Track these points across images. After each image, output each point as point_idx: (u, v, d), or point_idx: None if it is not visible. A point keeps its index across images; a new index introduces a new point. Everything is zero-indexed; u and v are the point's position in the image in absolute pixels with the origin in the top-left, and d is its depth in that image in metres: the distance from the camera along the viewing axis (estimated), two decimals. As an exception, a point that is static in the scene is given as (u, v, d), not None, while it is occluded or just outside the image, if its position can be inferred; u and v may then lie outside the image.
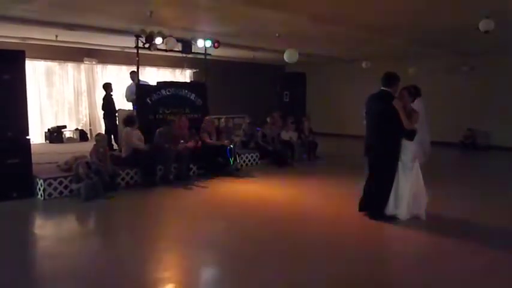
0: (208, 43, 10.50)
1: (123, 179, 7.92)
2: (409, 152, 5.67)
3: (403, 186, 5.70)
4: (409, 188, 5.66)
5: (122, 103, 11.13)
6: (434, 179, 8.23)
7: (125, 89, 10.63)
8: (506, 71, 13.41)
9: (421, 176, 5.75)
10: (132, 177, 8.05)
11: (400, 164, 5.70)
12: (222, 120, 11.92)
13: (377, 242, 5.29)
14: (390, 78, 5.72)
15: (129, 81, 10.79)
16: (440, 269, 4.23)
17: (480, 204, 6.91)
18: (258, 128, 11.19)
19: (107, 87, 10.88)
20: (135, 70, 9.97)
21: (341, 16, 8.34)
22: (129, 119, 8.38)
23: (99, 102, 13.44)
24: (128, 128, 8.22)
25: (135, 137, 8.19)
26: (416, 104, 5.72)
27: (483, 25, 7.50)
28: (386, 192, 5.76)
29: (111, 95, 10.86)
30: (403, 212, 5.71)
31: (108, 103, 10.74)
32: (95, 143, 7.72)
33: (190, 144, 8.86)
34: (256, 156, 10.47)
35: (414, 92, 5.75)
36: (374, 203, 5.85)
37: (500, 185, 8.40)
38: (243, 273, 4.19)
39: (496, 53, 13.23)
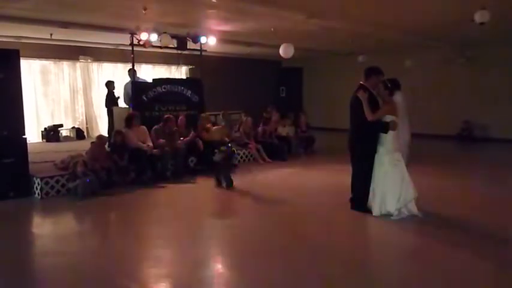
0: (205, 39, 10.52)
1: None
2: (386, 144, 5.61)
3: (375, 181, 5.68)
4: (381, 184, 5.61)
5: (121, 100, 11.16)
6: (427, 171, 8.25)
7: (123, 89, 10.60)
8: (502, 62, 13.41)
9: (398, 174, 5.56)
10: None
11: (376, 156, 5.68)
12: (220, 116, 11.83)
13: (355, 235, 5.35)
14: (366, 72, 5.79)
15: (126, 79, 10.80)
16: (419, 264, 4.26)
17: (473, 196, 6.95)
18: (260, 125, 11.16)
19: (109, 84, 10.96)
20: (134, 68, 10.00)
21: (337, 11, 8.33)
22: (125, 119, 8.35)
23: (96, 100, 13.52)
24: (126, 129, 8.19)
25: (135, 136, 8.14)
26: (395, 98, 5.67)
27: (479, 16, 7.48)
28: (362, 184, 5.77)
29: (113, 93, 10.94)
30: (375, 208, 5.66)
31: (110, 100, 10.81)
32: (92, 141, 7.72)
33: (187, 139, 8.86)
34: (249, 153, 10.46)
35: (390, 86, 5.66)
36: (354, 194, 5.96)
37: (493, 176, 8.42)
38: (241, 269, 4.20)
39: (493, 44, 13.24)
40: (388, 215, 5.56)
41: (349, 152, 6.01)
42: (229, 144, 9.54)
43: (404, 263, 4.43)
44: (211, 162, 9.04)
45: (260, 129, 10.98)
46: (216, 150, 7.65)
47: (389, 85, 5.66)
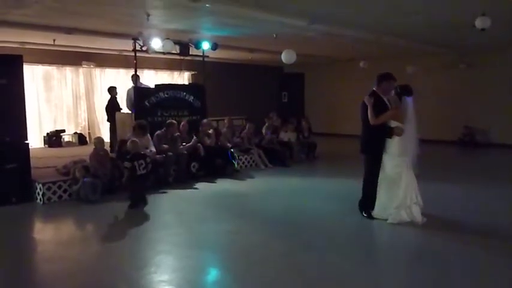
0: (207, 45, 10.57)
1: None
2: (390, 149, 5.66)
3: (379, 185, 5.74)
4: (382, 187, 5.69)
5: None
6: (429, 175, 8.24)
7: (126, 95, 10.65)
8: (503, 68, 13.42)
9: (399, 178, 5.59)
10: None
11: (382, 161, 5.73)
12: (225, 121, 11.85)
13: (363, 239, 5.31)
14: (378, 78, 5.88)
15: (128, 84, 10.86)
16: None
17: (470, 200, 6.93)
18: (268, 132, 11.16)
19: (111, 90, 11.03)
20: (137, 74, 10.06)
21: (338, 17, 8.36)
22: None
23: (98, 105, 13.54)
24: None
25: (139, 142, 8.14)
26: (404, 103, 5.67)
27: (479, 22, 7.49)
28: (368, 188, 5.85)
29: (116, 98, 11.00)
30: (376, 210, 5.77)
31: (112, 106, 10.87)
32: (94, 146, 7.74)
33: (189, 145, 8.88)
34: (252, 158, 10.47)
35: (399, 91, 5.73)
36: (362, 197, 6.02)
37: (490, 181, 8.40)
38: (243, 275, 4.19)
39: (493, 50, 13.25)
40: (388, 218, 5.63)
41: (362, 155, 6.07)
42: (232, 150, 9.63)
43: (400, 265, 4.42)
44: (213, 168, 9.12)
45: (268, 136, 10.98)
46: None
47: (398, 91, 5.72)
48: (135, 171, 6.61)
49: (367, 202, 5.90)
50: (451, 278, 4.01)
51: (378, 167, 5.75)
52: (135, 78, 10.26)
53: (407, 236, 5.28)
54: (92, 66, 13.45)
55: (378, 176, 5.75)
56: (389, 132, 5.63)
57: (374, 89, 5.88)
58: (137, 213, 6.49)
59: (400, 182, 5.60)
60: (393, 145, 5.65)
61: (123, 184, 7.01)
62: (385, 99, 5.78)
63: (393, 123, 5.64)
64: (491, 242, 4.99)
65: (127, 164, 6.65)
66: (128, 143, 7.05)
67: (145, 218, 6.29)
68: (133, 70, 10.37)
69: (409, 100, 5.70)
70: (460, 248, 4.79)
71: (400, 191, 5.58)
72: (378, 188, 5.76)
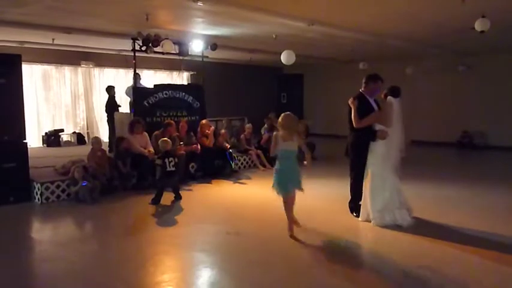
0: (206, 45, 10.56)
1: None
2: (374, 152, 5.66)
3: (364, 188, 5.75)
4: (367, 189, 5.68)
5: (124, 106, 11.20)
6: (424, 178, 8.25)
7: (126, 88, 10.75)
8: (502, 70, 13.45)
9: (383, 180, 5.59)
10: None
11: (367, 164, 5.73)
12: (223, 122, 11.85)
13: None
14: (365, 80, 5.90)
15: (128, 84, 10.89)
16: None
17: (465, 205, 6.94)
18: (266, 131, 11.16)
19: (109, 90, 11.01)
20: (137, 73, 10.09)
21: (339, 20, 8.36)
22: (128, 125, 8.34)
23: (97, 105, 13.55)
24: (129, 135, 8.21)
25: (137, 142, 8.14)
26: (390, 104, 5.69)
27: (479, 24, 7.50)
28: (355, 190, 5.91)
29: (114, 98, 10.99)
30: (361, 212, 5.79)
31: (111, 106, 10.85)
32: (92, 146, 7.73)
33: (189, 148, 8.87)
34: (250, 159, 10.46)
35: (386, 92, 5.80)
36: (351, 198, 6.07)
37: (487, 183, 8.40)
38: (242, 276, 4.19)
39: (492, 53, 13.27)
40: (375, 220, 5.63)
41: (347, 157, 6.11)
42: (230, 151, 9.63)
43: (389, 268, 4.42)
44: (211, 168, 9.11)
45: (266, 135, 10.96)
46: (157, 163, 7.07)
47: (386, 92, 5.77)
48: (166, 168, 6.95)
49: (356, 203, 5.94)
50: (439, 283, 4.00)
51: (362, 170, 5.73)
52: (135, 77, 10.28)
53: (397, 240, 5.22)
54: (90, 65, 13.44)
55: (362, 178, 5.74)
56: (373, 135, 5.64)
57: (361, 90, 5.88)
58: (135, 214, 6.49)
59: (385, 186, 5.60)
60: (378, 148, 5.65)
61: (156, 181, 7.31)
62: (371, 101, 5.80)
63: (377, 126, 5.64)
64: (487, 248, 4.90)
65: (158, 161, 7.00)
66: (159, 142, 7.27)
67: (143, 218, 6.27)
68: (133, 70, 10.38)
69: (395, 102, 5.70)
70: (452, 253, 4.77)
71: (385, 195, 5.58)
72: (364, 191, 5.74)
